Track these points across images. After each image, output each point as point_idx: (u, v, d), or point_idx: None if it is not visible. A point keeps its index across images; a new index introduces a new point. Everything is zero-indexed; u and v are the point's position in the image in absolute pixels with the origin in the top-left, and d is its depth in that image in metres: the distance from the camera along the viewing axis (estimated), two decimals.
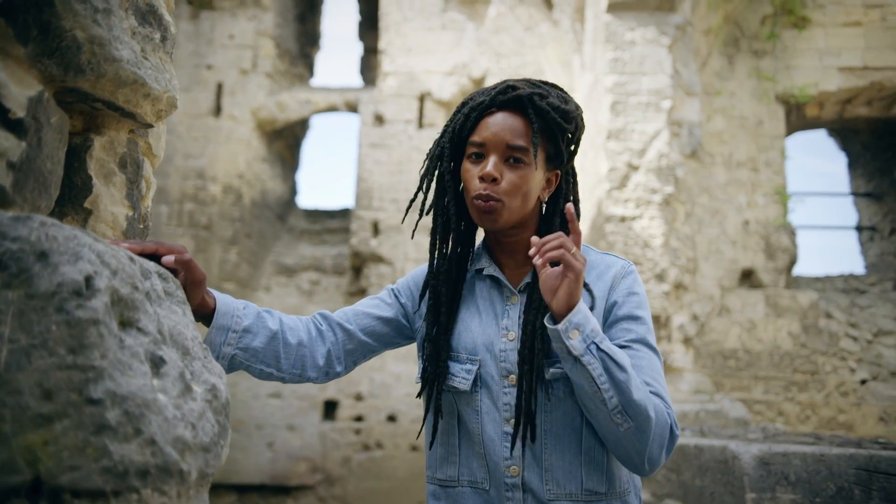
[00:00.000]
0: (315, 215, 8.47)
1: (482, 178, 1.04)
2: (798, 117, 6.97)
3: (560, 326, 0.94)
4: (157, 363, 0.64)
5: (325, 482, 6.11)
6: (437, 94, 7.08)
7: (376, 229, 6.74)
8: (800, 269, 6.40)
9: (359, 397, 6.30)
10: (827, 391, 5.33)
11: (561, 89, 1.12)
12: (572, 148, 1.12)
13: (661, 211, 4.89)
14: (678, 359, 4.52)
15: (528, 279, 1.12)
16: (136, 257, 0.71)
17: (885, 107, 6.95)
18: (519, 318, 1.10)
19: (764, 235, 6.00)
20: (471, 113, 1.08)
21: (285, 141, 8.21)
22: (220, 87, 7.20)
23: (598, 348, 0.94)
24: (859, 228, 7.72)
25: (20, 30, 0.69)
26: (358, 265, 6.82)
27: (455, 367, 1.11)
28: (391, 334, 1.19)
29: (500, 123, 1.05)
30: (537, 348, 1.04)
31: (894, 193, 7.40)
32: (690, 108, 5.47)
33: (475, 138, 1.07)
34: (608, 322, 1.07)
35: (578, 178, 1.17)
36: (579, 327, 0.94)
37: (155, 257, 0.84)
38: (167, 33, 0.88)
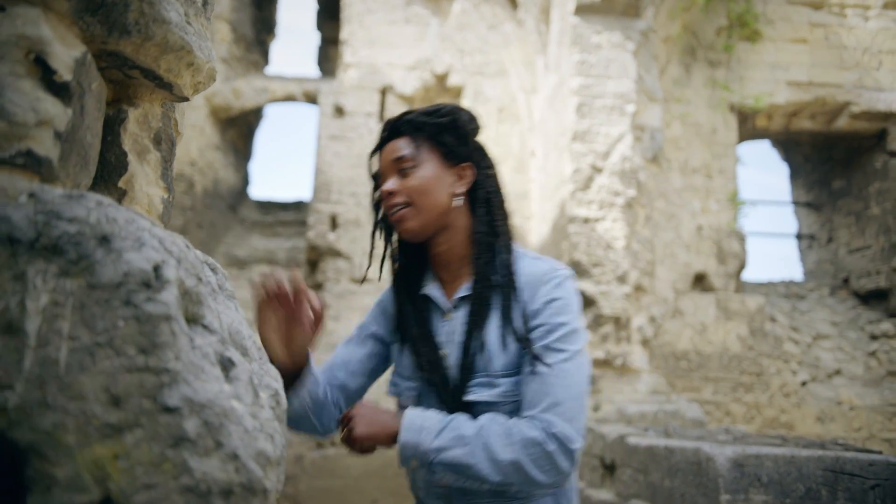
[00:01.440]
0: (267, 207, 8.24)
1: (382, 198, 1.14)
2: (748, 127, 7.23)
3: (401, 465, 1.03)
4: (226, 366, 0.57)
5: None
6: (400, 88, 6.98)
7: (334, 223, 6.60)
8: (745, 275, 6.64)
9: None
10: (771, 392, 5.54)
11: (445, 104, 1.18)
12: (468, 139, 1.16)
13: (623, 213, 4.96)
14: (636, 360, 4.60)
15: (461, 293, 1.13)
16: (189, 244, 0.64)
17: (826, 121, 7.28)
18: (451, 334, 1.13)
19: (716, 241, 6.18)
20: (371, 157, 1.21)
21: (239, 129, 7.95)
22: None
23: (440, 462, 0.98)
24: (799, 236, 8.08)
25: None
26: (315, 259, 6.67)
27: (404, 384, 1.17)
28: (383, 362, 1.27)
29: (385, 151, 1.16)
30: (465, 366, 1.07)
31: (832, 204, 7.77)
32: (652, 113, 5.57)
33: (376, 173, 1.18)
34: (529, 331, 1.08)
35: (497, 171, 1.21)
36: (413, 456, 1.00)
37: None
38: None
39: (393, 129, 1.15)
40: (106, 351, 0.49)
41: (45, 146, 0.55)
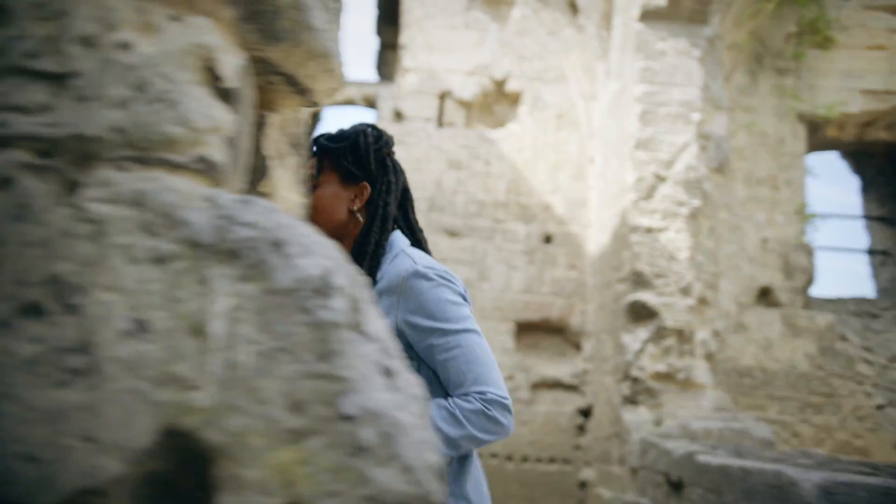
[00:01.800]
0: None
1: None
2: (817, 138, 6.96)
3: None
4: (388, 375, 0.56)
5: None
6: (458, 93, 7.00)
7: None
8: (813, 291, 6.38)
9: None
10: (843, 415, 5.30)
11: (351, 128, 1.30)
12: (368, 160, 1.29)
13: (687, 224, 4.84)
14: (700, 375, 4.47)
15: None
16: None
17: None
18: None
19: (782, 254, 5.97)
20: None
21: None
22: None
23: None
24: (871, 252, 7.73)
25: None
26: None
27: None
28: None
29: None
30: None
31: None
32: (718, 122, 5.43)
33: None
34: (420, 337, 1.16)
35: (399, 186, 1.35)
36: None
37: None
38: (339, 3, 0.81)
39: (309, 152, 1.29)
40: (285, 356, 0.49)
41: (218, 151, 0.56)
